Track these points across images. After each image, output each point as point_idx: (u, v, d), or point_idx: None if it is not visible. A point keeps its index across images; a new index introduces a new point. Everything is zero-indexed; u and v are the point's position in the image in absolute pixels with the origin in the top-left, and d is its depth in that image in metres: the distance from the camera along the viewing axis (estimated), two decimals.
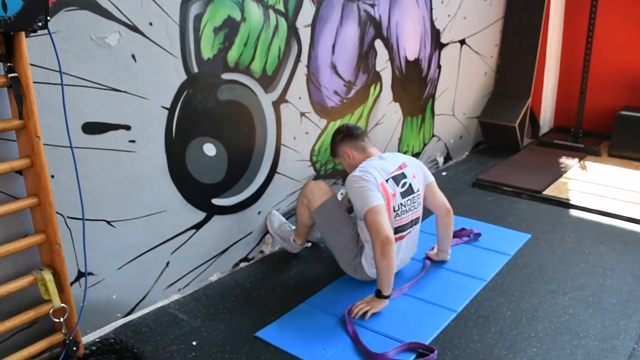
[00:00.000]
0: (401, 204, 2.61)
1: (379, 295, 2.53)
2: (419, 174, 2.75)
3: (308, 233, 3.03)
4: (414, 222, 2.72)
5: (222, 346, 2.33)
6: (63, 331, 2.09)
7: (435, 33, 4.09)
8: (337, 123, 3.36)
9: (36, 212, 1.99)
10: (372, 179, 2.54)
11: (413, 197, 2.67)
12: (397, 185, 2.62)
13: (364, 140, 2.78)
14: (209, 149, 2.64)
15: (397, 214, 2.60)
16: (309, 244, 3.22)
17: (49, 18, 1.75)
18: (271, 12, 2.75)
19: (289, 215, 3.23)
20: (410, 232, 2.71)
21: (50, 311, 2.04)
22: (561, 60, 5.30)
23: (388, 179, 2.60)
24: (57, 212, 2.02)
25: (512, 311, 2.57)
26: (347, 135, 2.78)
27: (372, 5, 3.40)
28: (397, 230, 2.61)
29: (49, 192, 1.94)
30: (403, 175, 2.66)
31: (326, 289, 2.75)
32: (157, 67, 2.32)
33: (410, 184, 2.67)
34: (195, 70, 2.47)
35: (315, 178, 3.33)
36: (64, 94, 1.93)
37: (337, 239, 2.75)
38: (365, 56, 3.46)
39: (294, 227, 3.03)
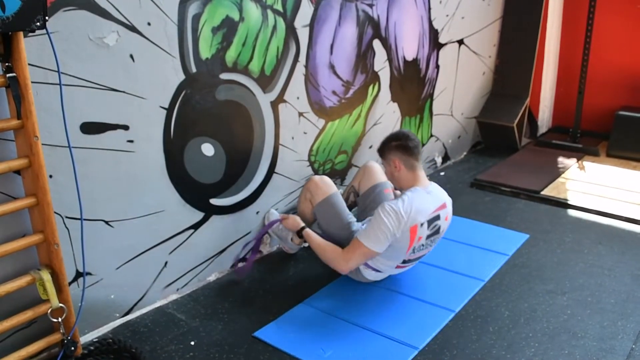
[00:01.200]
0: (422, 244, 2.58)
1: (300, 233, 2.73)
2: (450, 215, 2.69)
3: None
4: (424, 255, 2.71)
5: (221, 346, 2.33)
6: (61, 331, 2.09)
7: (434, 33, 4.09)
8: (336, 123, 3.37)
9: (34, 212, 1.99)
10: (405, 221, 2.44)
11: (435, 238, 2.64)
12: (428, 228, 2.54)
13: (417, 159, 2.60)
14: (207, 149, 2.64)
15: (413, 250, 2.57)
16: (307, 244, 3.21)
17: (47, 18, 1.75)
18: (269, 12, 2.75)
19: (289, 214, 3.23)
20: (415, 262, 2.73)
21: (49, 311, 2.04)
22: (559, 60, 5.30)
23: (423, 223, 2.51)
24: (55, 212, 2.02)
25: (510, 311, 2.58)
26: (402, 147, 2.59)
27: (371, 5, 3.40)
28: (404, 261, 2.63)
29: (47, 192, 1.93)
30: (437, 217, 2.57)
31: (324, 289, 2.75)
32: (156, 67, 2.32)
33: (439, 227, 2.61)
34: (194, 70, 2.47)
35: None
36: (62, 93, 1.92)
37: (337, 235, 2.75)
38: (364, 56, 3.46)
39: None
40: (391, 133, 2.72)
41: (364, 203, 3.03)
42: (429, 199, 2.55)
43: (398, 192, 2.85)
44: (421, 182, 2.60)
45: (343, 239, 2.70)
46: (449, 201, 2.67)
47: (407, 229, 2.46)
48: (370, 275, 2.72)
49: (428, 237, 2.57)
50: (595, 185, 4.07)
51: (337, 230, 2.77)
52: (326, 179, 2.88)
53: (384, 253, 2.53)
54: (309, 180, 2.89)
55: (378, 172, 3.05)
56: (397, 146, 2.60)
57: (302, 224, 2.78)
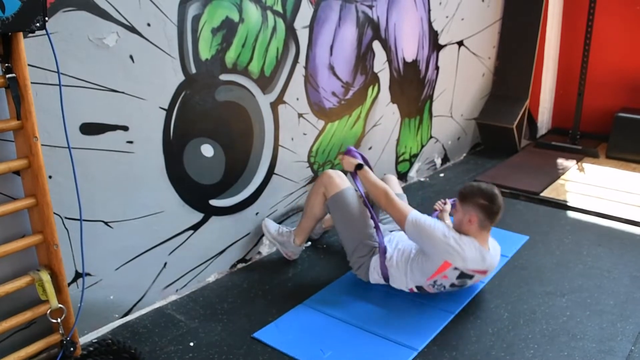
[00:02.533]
0: (443, 286, 2.58)
1: (359, 167, 2.83)
2: (486, 277, 2.71)
3: (313, 229, 3.02)
4: (440, 293, 2.70)
5: (220, 347, 2.33)
6: (60, 332, 2.09)
7: (433, 34, 4.10)
8: (335, 124, 3.37)
9: (34, 212, 1.99)
10: (445, 247, 2.46)
11: (455, 289, 2.64)
12: (457, 278, 2.54)
13: (493, 223, 2.55)
14: (207, 150, 2.64)
15: (434, 283, 2.57)
16: (308, 243, 3.22)
17: (46, 19, 1.75)
18: (269, 13, 2.75)
19: (287, 217, 3.23)
20: (429, 296, 2.71)
21: (48, 312, 2.04)
22: (559, 62, 5.31)
23: (457, 269, 2.50)
24: (54, 213, 2.01)
25: (509, 313, 2.58)
26: (487, 209, 2.50)
27: (370, 7, 3.40)
28: (419, 287, 2.63)
29: (46, 192, 1.93)
30: (471, 277, 2.56)
31: (324, 290, 2.75)
32: (155, 68, 2.32)
33: (466, 284, 2.61)
34: (193, 71, 2.47)
35: (313, 179, 3.33)
36: (61, 94, 1.92)
37: (354, 230, 2.75)
38: (363, 57, 3.46)
39: (292, 229, 3.02)
40: (481, 185, 2.58)
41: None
42: (478, 258, 2.51)
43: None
44: (483, 243, 2.55)
45: (365, 235, 2.72)
46: (492, 268, 2.62)
47: (442, 258, 2.48)
48: (374, 279, 2.73)
49: (452, 285, 2.58)
50: (595, 187, 4.07)
51: (355, 226, 2.76)
52: (341, 173, 2.89)
53: (412, 262, 2.59)
54: (323, 174, 2.89)
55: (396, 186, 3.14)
56: (483, 206, 2.50)
57: (360, 162, 2.87)
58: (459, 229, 2.57)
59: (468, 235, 2.52)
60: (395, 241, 2.75)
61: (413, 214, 2.59)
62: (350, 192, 2.82)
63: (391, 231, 2.89)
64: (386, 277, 2.68)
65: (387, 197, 2.68)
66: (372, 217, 2.76)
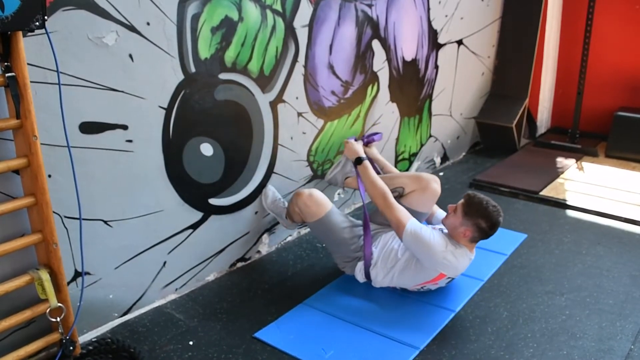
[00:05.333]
0: (430, 289, 2.66)
1: (359, 160, 2.77)
2: None
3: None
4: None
5: (219, 346, 2.33)
6: (60, 331, 2.09)
7: (433, 33, 4.10)
8: (335, 123, 3.37)
9: (33, 211, 1.99)
10: (441, 261, 2.49)
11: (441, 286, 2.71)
12: (446, 282, 2.64)
13: (482, 239, 2.55)
14: (206, 149, 2.64)
15: (421, 288, 2.66)
16: (303, 225, 3.18)
17: (46, 17, 1.75)
18: (268, 12, 2.75)
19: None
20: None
21: (47, 311, 2.04)
22: (558, 61, 5.31)
23: (449, 277, 2.60)
24: (54, 212, 2.01)
25: (508, 312, 2.58)
26: (483, 233, 2.49)
27: (370, 6, 3.40)
28: (404, 289, 2.71)
29: (46, 191, 1.93)
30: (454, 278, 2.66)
31: (324, 289, 2.75)
32: (155, 67, 2.32)
33: (453, 279, 2.67)
34: (193, 70, 2.47)
35: (313, 178, 3.33)
36: (61, 93, 1.92)
37: (337, 249, 2.75)
38: (363, 56, 3.46)
39: (287, 205, 2.96)
40: (489, 207, 2.48)
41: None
42: (467, 265, 2.58)
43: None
44: (471, 250, 2.59)
45: (344, 251, 2.71)
46: None
47: (437, 270, 2.53)
48: (360, 279, 2.75)
49: (438, 287, 2.68)
50: (594, 186, 4.08)
51: (336, 246, 2.74)
52: (316, 196, 2.68)
53: (401, 270, 2.60)
54: (297, 196, 2.70)
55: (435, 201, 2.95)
56: (481, 229, 2.47)
57: (362, 155, 2.80)
58: (451, 232, 2.56)
59: (459, 243, 2.53)
60: (381, 244, 2.70)
61: (411, 224, 2.52)
62: (330, 215, 2.68)
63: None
64: (370, 280, 2.72)
65: (385, 199, 2.61)
66: (364, 224, 2.67)
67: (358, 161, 2.79)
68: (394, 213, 2.56)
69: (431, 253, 2.47)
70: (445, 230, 2.61)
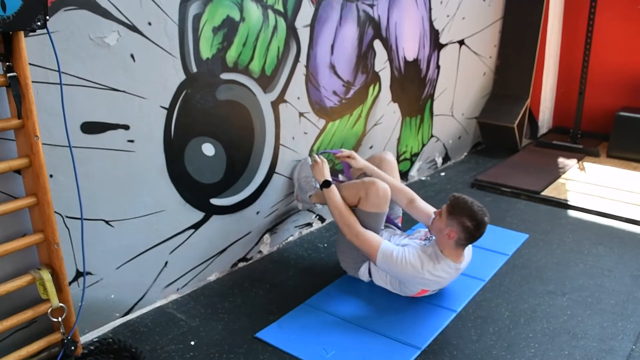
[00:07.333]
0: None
1: (326, 184, 2.72)
2: None
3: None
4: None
5: (220, 346, 2.33)
6: (61, 331, 2.09)
7: (434, 33, 4.10)
8: (336, 123, 3.37)
9: (35, 211, 1.99)
10: (421, 281, 2.50)
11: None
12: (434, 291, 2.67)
13: (471, 243, 2.52)
14: (208, 149, 2.64)
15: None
16: (320, 206, 3.18)
17: (47, 17, 1.75)
18: (270, 12, 2.75)
19: (287, 216, 3.23)
20: None
21: (49, 311, 2.04)
22: (560, 61, 5.31)
23: (435, 290, 2.65)
24: (55, 212, 2.02)
25: (510, 312, 2.58)
26: (470, 233, 2.42)
27: (371, 6, 3.40)
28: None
29: (47, 191, 1.93)
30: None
31: (325, 289, 2.75)
32: (156, 67, 2.32)
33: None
34: (194, 70, 2.47)
35: None
36: (62, 93, 1.92)
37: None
38: (364, 56, 3.46)
39: (318, 186, 2.91)
40: (474, 206, 2.43)
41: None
42: (454, 275, 2.56)
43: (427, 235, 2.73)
44: (458, 258, 2.52)
45: (361, 253, 2.71)
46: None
47: (419, 288, 2.58)
48: (365, 277, 2.76)
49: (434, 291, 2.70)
50: (596, 186, 4.07)
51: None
52: (388, 192, 2.64)
53: (393, 282, 2.64)
54: (372, 183, 2.62)
55: (395, 168, 3.03)
56: (467, 228, 2.41)
57: (329, 178, 2.76)
58: (437, 237, 2.53)
59: (443, 253, 2.49)
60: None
61: (382, 250, 2.50)
62: (379, 216, 2.67)
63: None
64: (374, 277, 2.74)
65: (350, 227, 2.59)
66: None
67: (325, 184, 2.74)
68: (363, 242, 2.57)
69: (408, 276, 2.50)
70: (433, 238, 2.58)
